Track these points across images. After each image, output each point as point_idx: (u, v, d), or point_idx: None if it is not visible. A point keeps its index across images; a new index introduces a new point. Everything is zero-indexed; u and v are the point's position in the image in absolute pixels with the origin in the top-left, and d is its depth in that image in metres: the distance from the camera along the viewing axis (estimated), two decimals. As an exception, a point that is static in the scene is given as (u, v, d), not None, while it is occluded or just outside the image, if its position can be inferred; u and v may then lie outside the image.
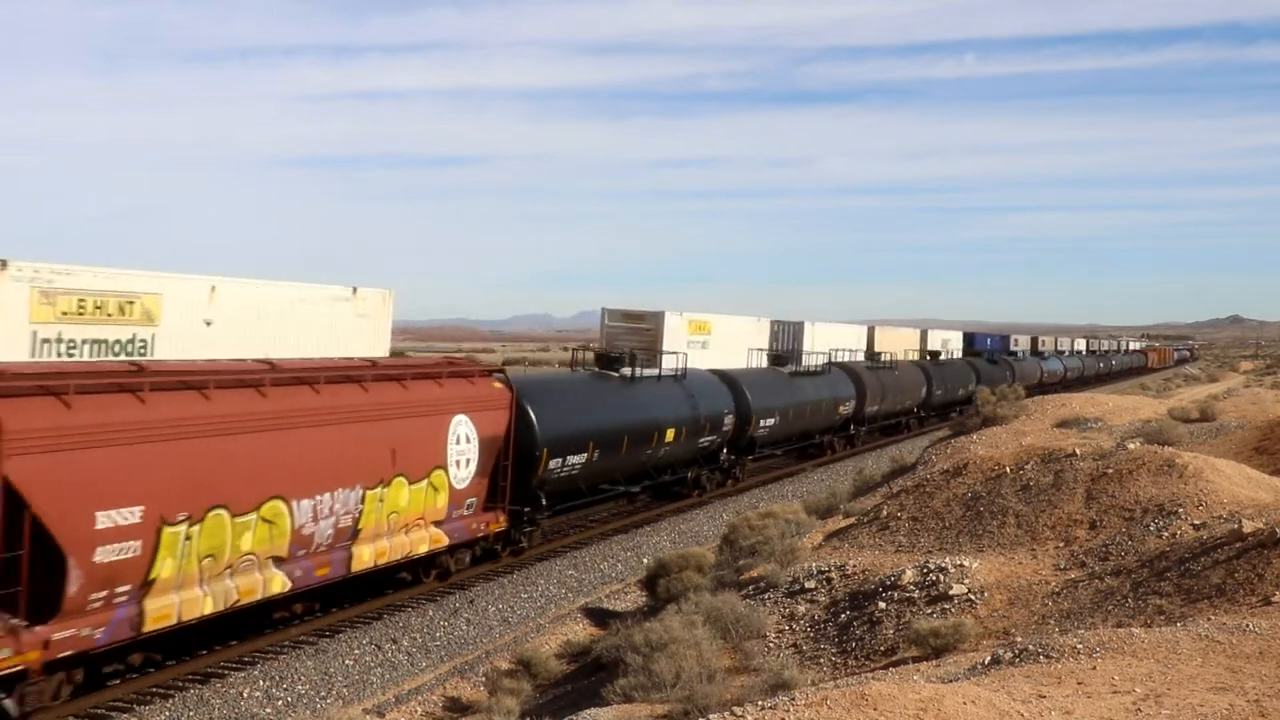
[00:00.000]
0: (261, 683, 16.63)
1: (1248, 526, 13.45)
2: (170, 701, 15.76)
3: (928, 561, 15.43)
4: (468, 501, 21.74)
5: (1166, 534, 14.90)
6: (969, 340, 76.48)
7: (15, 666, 13.40)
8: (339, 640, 18.56)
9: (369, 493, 18.79)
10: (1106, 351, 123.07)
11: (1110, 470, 17.44)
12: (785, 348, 43.58)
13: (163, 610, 15.24)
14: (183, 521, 15.21)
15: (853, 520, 20.96)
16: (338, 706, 15.82)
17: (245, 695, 16.23)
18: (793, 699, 8.56)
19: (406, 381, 20.20)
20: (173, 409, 15.14)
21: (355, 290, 23.64)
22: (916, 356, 56.21)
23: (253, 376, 16.91)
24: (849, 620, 14.53)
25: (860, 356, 49.86)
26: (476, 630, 19.98)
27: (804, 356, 42.68)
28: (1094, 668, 9.74)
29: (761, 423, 35.81)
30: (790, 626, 15.00)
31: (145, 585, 14.88)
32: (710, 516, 30.66)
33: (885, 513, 19.04)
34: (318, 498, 17.68)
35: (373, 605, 20.23)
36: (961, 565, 15.00)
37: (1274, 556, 12.61)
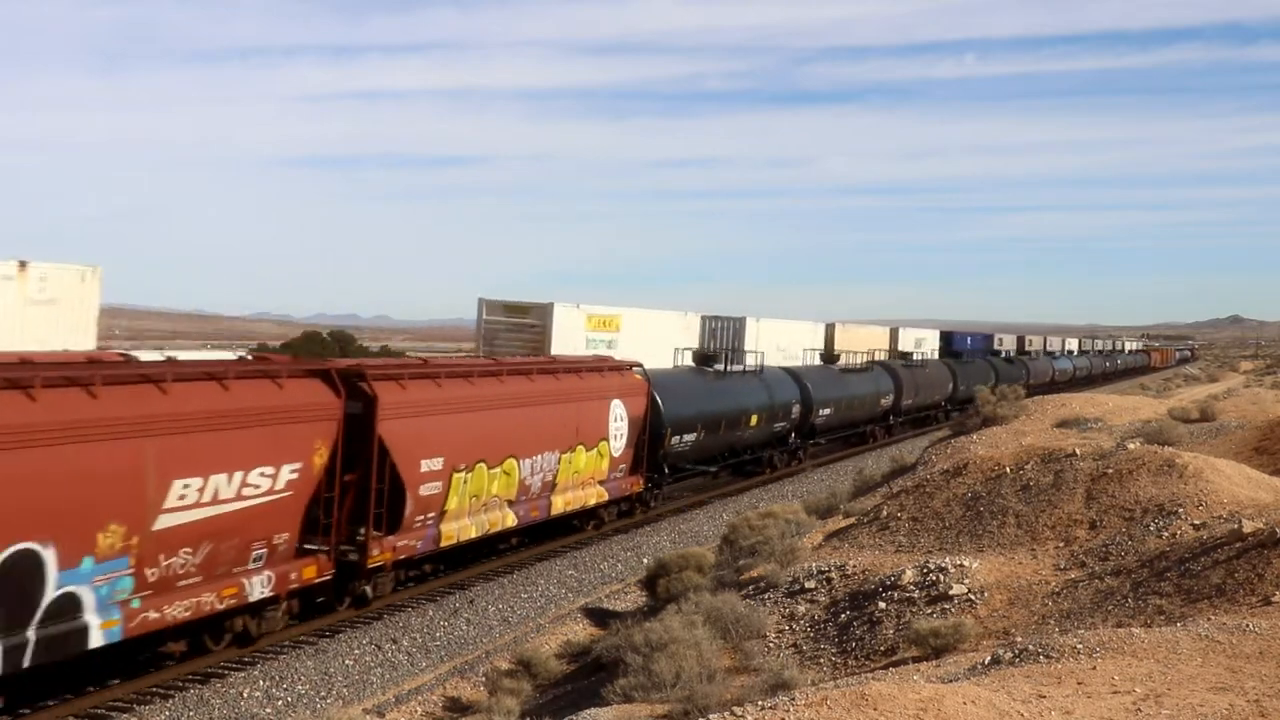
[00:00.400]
0: (261, 683, 16.62)
1: (1248, 526, 13.44)
2: (170, 701, 15.75)
3: (928, 561, 15.42)
4: (620, 467, 27.88)
5: (1166, 534, 14.89)
6: (946, 340, 71.39)
7: (380, 563, 19.49)
8: (339, 640, 18.56)
9: (562, 456, 25.03)
10: (1113, 351, 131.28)
11: (1110, 470, 17.43)
12: (723, 346, 40.09)
13: (450, 532, 21.30)
14: (463, 470, 21.30)
15: (853, 520, 20.95)
16: (338, 706, 15.81)
17: (245, 695, 16.22)
18: (793, 699, 8.56)
19: (583, 373, 26.44)
20: (455, 391, 21.38)
21: (24, 265, 18.48)
22: (885, 356, 53.74)
23: (494, 368, 23.49)
24: (849, 620, 14.52)
25: (816, 357, 48.10)
26: (476, 630, 19.97)
27: (746, 356, 39.67)
28: (1094, 668, 9.74)
29: (820, 412, 41.29)
30: (790, 626, 14.99)
31: (442, 513, 20.95)
32: (710, 516, 30.69)
33: (885, 513, 19.03)
34: (534, 458, 23.87)
35: (372, 607, 20.23)
36: (961, 565, 14.99)
37: (1274, 556, 12.60)
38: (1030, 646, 10.67)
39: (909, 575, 14.90)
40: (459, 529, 21.44)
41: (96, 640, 14.37)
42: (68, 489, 13.63)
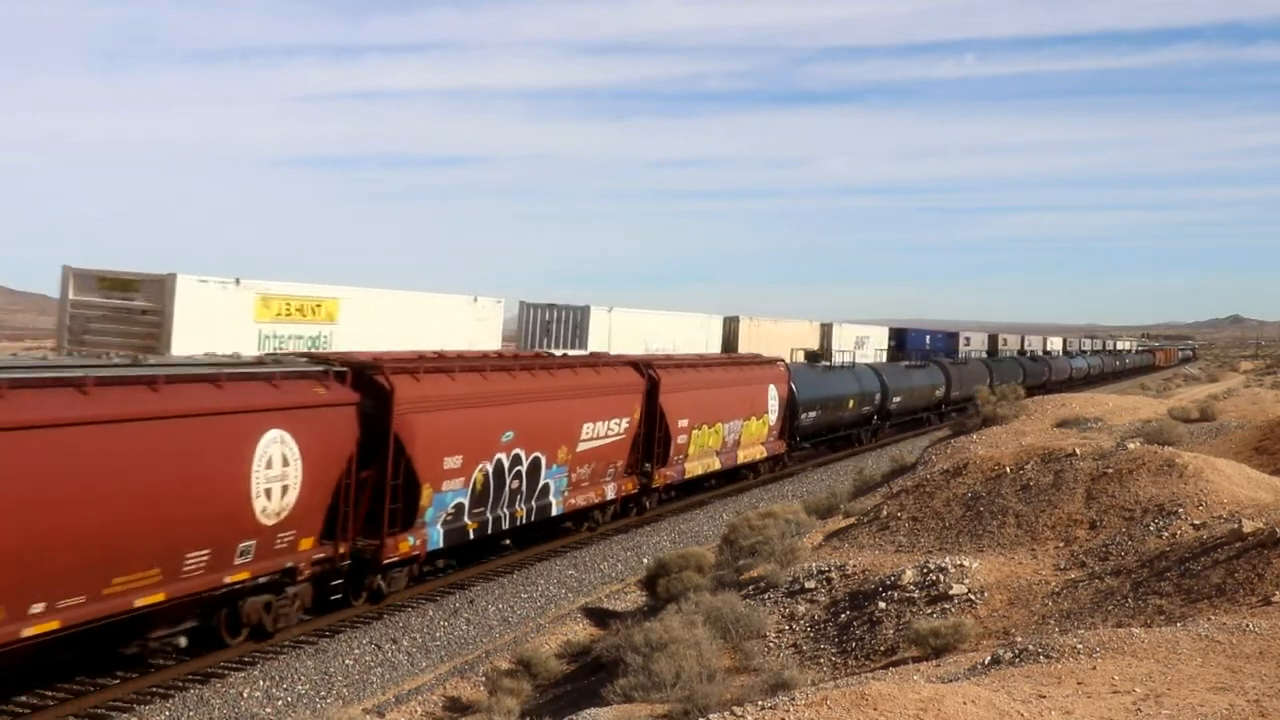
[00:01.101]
0: (261, 683, 16.62)
1: (1248, 526, 13.45)
2: (170, 701, 15.74)
3: (928, 561, 15.42)
4: (773, 434, 37.45)
5: (1166, 534, 14.90)
6: (898, 337, 64.61)
7: (658, 484, 29.66)
8: (339, 640, 18.56)
9: (744, 423, 34.54)
10: (1122, 351, 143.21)
11: (1110, 470, 17.44)
12: (558, 345, 34.72)
13: (689, 469, 31.41)
14: (695, 428, 31.06)
15: (853, 520, 20.96)
16: (338, 706, 15.80)
17: (245, 695, 16.22)
18: (793, 699, 8.56)
19: (752, 365, 37.03)
20: (693, 376, 31.42)
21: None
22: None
23: (705, 361, 34.22)
24: (849, 620, 14.53)
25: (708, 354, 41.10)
26: (476, 630, 19.97)
27: (588, 350, 34.16)
28: (1094, 668, 9.74)
29: (893, 399, 50.00)
30: (790, 626, 14.99)
31: (685, 456, 30.88)
32: (710, 516, 30.72)
33: (885, 513, 19.04)
34: (730, 423, 33.44)
35: (373, 606, 20.23)
36: (961, 565, 14.99)
37: (1274, 556, 12.60)
38: (1030, 646, 10.67)
39: (909, 575, 14.90)
40: (692, 467, 31.46)
41: (554, 511, 24.69)
42: (549, 424, 23.96)
